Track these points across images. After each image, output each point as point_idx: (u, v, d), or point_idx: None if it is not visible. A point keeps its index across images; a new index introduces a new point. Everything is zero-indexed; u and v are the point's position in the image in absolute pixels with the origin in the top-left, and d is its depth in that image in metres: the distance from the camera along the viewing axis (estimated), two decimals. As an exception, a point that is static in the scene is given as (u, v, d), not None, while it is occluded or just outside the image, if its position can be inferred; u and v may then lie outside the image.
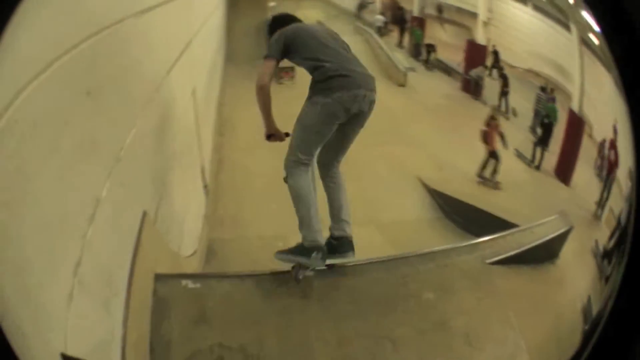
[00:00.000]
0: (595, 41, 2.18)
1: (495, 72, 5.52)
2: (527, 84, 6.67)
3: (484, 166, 4.16)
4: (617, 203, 2.41)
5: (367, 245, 5.52)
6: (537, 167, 5.72)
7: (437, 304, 3.05)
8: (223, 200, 5.87)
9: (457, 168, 6.96)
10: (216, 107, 7.78)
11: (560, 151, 4.75)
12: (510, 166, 6.29)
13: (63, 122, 1.88)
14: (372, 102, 3.17)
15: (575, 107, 4.08)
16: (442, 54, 8.85)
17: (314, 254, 2.95)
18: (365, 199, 6.54)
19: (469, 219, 5.81)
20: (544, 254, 3.33)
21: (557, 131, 4.88)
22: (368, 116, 3.21)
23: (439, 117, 8.17)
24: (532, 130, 6.11)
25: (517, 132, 6.58)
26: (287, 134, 3.28)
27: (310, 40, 3.29)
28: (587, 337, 2.22)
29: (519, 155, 6.17)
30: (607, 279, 2.23)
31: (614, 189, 2.62)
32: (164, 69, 3.78)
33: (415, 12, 9.70)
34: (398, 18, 10.16)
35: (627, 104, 2.11)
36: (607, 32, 2.09)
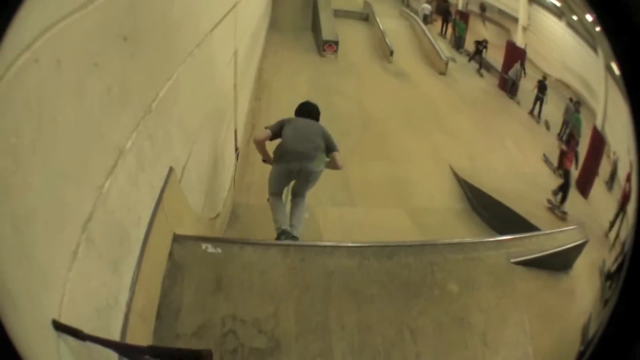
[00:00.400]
0: (617, 71, 2.09)
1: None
2: (558, 94, 6.63)
3: (558, 191, 4.11)
4: (624, 229, 2.31)
5: (395, 227, 5.49)
6: (561, 175, 5.71)
7: (460, 297, 3.00)
8: (252, 166, 5.85)
9: (488, 162, 6.96)
10: (256, 71, 7.77)
11: (582, 165, 4.74)
12: (537, 170, 6.26)
13: (92, 63, 1.74)
14: (309, 172, 4.58)
15: (599, 124, 4.13)
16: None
17: (282, 236, 4.46)
18: (398, 183, 6.51)
19: (494, 214, 5.80)
20: (561, 262, 3.34)
21: (581, 145, 4.89)
22: (312, 177, 4.61)
23: (476, 110, 8.20)
24: (560, 138, 6.11)
25: (547, 138, 6.53)
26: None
27: (291, 130, 4.60)
28: (580, 357, 2.16)
29: (546, 160, 6.13)
30: (605, 303, 2.14)
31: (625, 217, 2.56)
32: (208, 25, 3.68)
33: (460, 7, 9.79)
34: (442, 9, 10.28)
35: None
36: (609, 32, 1.98)
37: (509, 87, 8.00)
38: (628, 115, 1.98)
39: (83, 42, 1.68)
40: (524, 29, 7.74)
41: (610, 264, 2.36)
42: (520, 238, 3.48)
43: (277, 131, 4.56)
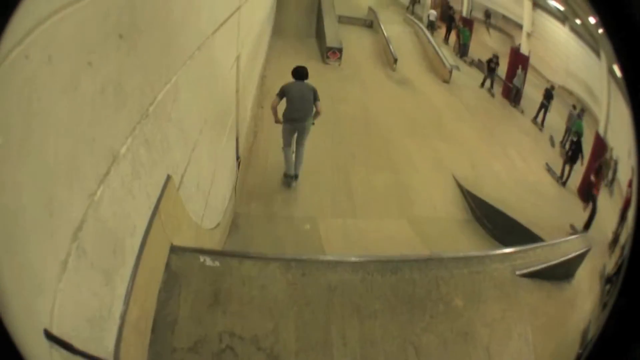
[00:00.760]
0: (618, 73, 2.09)
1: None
2: (562, 102, 6.60)
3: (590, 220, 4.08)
4: (624, 233, 2.29)
5: (398, 238, 5.43)
6: (564, 184, 5.69)
7: (465, 312, 2.98)
8: (254, 175, 5.85)
9: (491, 170, 6.92)
10: (259, 78, 7.71)
11: (584, 173, 4.71)
12: (540, 179, 6.24)
13: (85, 62, 1.65)
14: (304, 127, 6.15)
15: (601, 131, 4.08)
16: (485, 56, 8.77)
17: (287, 177, 5.91)
18: (400, 192, 6.45)
19: (497, 225, 5.75)
20: (564, 271, 3.32)
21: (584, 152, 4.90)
22: (307, 130, 6.15)
23: (479, 118, 8.14)
24: (562, 145, 6.08)
25: (551, 147, 6.49)
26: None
27: (292, 93, 6.10)
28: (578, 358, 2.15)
29: (549, 169, 6.10)
30: (604, 305, 2.13)
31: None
32: (210, 27, 3.59)
33: (464, 13, 9.74)
34: (446, 16, 10.22)
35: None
36: (611, 33, 1.98)
37: (513, 95, 7.96)
38: (629, 117, 2.01)
39: (76, 38, 1.59)
40: (528, 35, 7.71)
41: (610, 268, 2.38)
42: (525, 250, 3.45)
43: (282, 96, 6.11)
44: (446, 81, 9.29)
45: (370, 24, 11.38)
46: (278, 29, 9.84)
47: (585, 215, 3.68)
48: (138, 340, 2.24)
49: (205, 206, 3.69)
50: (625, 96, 2.01)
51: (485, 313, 2.99)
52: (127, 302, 2.00)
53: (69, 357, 1.57)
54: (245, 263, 2.81)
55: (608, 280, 2.33)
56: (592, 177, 3.98)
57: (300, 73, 6.40)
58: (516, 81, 7.90)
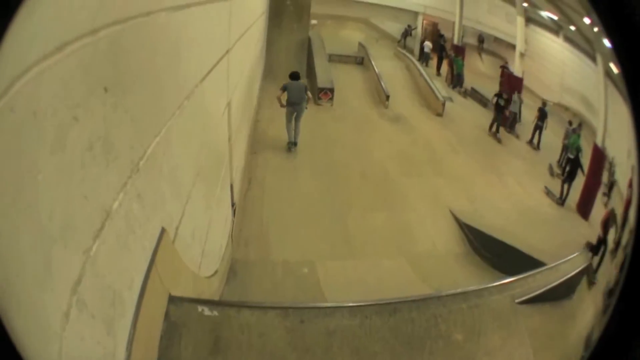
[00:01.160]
0: (615, 70, 2.11)
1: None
2: (558, 120, 6.63)
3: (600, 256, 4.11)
4: (625, 235, 2.33)
5: (397, 279, 5.40)
6: (562, 203, 5.71)
7: (465, 345, 3.00)
8: (250, 221, 5.81)
9: (489, 203, 6.93)
10: (251, 123, 7.75)
11: (583, 187, 4.74)
12: (538, 201, 6.25)
13: (71, 117, 1.65)
14: (300, 109, 8.39)
15: (599, 141, 4.18)
16: (478, 84, 8.79)
17: (289, 144, 8.13)
18: (398, 232, 6.44)
19: (497, 255, 5.75)
20: (565, 290, 3.37)
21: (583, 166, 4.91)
22: (302, 111, 8.35)
23: (474, 150, 8.17)
24: (560, 164, 6.12)
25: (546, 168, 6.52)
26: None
27: (291, 87, 8.28)
28: None
29: (548, 192, 6.13)
30: (606, 309, 2.12)
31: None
32: (198, 75, 3.54)
33: (456, 41, 9.79)
34: (437, 45, 10.29)
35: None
36: (609, 30, 2.00)
37: (510, 122, 8.00)
38: (629, 116, 2.01)
39: (59, 91, 1.59)
40: (522, 55, 7.75)
41: (612, 273, 2.38)
42: (525, 277, 3.50)
43: (284, 90, 8.37)
44: (439, 114, 9.32)
45: (361, 60, 11.42)
46: (268, 71, 9.86)
47: (585, 230, 3.67)
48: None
49: (202, 255, 3.68)
50: (624, 95, 2.02)
51: (486, 344, 3.00)
52: (129, 350, 2.03)
53: None
54: (243, 312, 2.80)
55: (609, 288, 2.33)
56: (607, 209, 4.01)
57: (295, 75, 8.64)
58: (512, 107, 7.94)
